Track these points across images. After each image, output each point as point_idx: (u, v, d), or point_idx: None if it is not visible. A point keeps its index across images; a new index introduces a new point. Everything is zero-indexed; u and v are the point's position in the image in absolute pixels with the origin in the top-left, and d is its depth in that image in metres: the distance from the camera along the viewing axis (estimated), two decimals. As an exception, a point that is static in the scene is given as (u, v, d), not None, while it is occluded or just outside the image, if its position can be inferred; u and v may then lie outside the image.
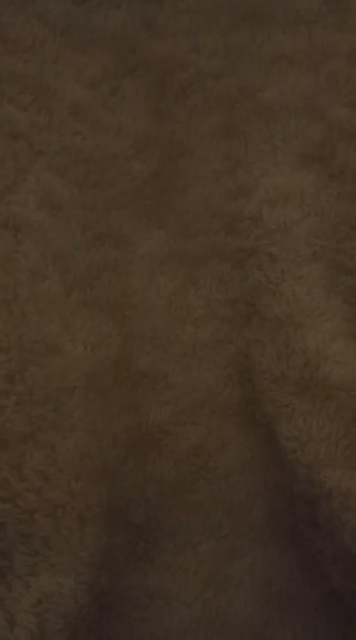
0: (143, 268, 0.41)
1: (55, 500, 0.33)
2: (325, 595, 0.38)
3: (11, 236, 0.38)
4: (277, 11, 0.44)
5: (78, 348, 0.37)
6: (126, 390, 0.39)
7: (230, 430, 0.39)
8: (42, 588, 0.33)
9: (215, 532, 0.38)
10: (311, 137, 0.42)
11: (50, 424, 0.34)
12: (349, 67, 0.43)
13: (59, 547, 0.33)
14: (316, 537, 0.37)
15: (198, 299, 0.41)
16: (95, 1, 0.44)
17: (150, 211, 0.42)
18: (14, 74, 0.41)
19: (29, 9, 0.43)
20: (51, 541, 0.33)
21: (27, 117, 0.41)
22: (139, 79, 0.44)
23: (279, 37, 0.44)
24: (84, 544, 0.34)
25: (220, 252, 0.41)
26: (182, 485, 0.38)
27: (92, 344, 0.38)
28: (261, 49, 0.44)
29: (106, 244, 0.41)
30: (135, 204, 0.42)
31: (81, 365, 0.37)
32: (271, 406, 0.38)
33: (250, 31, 0.44)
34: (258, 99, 0.43)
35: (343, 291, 0.39)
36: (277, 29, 0.44)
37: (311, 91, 0.43)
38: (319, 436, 0.36)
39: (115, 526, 0.36)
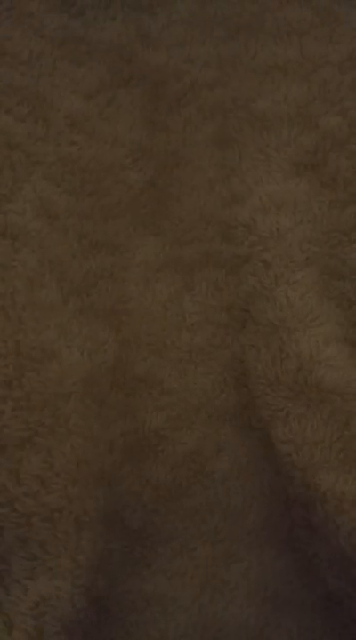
0: (139, 275, 0.42)
1: (52, 505, 0.34)
2: (321, 598, 0.38)
3: (8, 245, 0.38)
4: (269, 22, 0.45)
5: (75, 353, 0.37)
6: (123, 396, 0.39)
7: (226, 435, 0.40)
8: (40, 591, 0.33)
9: (212, 537, 0.39)
10: (303, 145, 0.42)
11: (47, 429, 0.35)
12: (340, 76, 0.43)
13: (56, 550, 0.33)
14: (311, 540, 0.37)
15: (194, 305, 0.41)
16: (91, 14, 0.45)
17: (146, 219, 0.43)
18: (12, 86, 0.42)
19: (26, 22, 0.44)
20: (48, 545, 0.33)
21: (24, 128, 0.41)
22: (134, 90, 0.44)
23: (271, 48, 0.44)
24: (81, 548, 0.34)
25: (215, 258, 0.42)
26: (179, 490, 0.39)
27: (88, 350, 0.38)
28: (254, 59, 0.44)
29: (102, 252, 0.41)
30: (131, 213, 0.43)
31: (78, 371, 0.37)
32: (265, 410, 0.38)
33: (243, 42, 0.45)
34: (251, 108, 0.44)
35: (335, 296, 0.40)
36: (269, 40, 0.45)
37: (303, 100, 0.43)
38: (313, 439, 0.36)
39: (111, 531, 0.37)
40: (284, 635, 0.38)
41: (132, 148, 0.43)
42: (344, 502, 0.34)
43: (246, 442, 0.39)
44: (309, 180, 0.42)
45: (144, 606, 0.37)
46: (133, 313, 0.41)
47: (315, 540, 0.37)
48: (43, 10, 0.44)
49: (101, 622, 0.36)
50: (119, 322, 0.40)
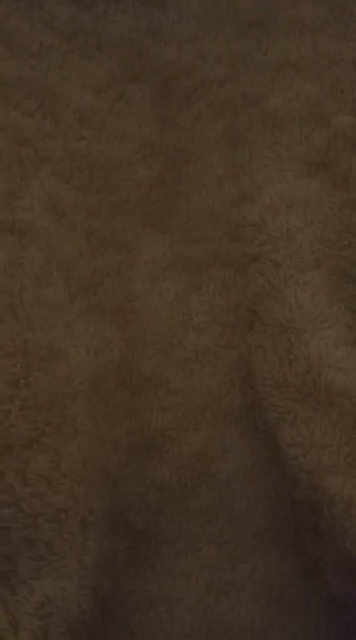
0: (146, 273, 0.41)
1: (58, 505, 0.34)
2: (326, 601, 0.38)
3: (16, 242, 0.38)
4: (282, 18, 0.44)
5: (81, 352, 0.37)
6: (129, 395, 0.39)
7: (232, 436, 0.39)
8: (45, 591, 0.33)
9: (217, 538, 0.39)
10: (315, 144, 0.42)
11: (54, 429, 0.35)
12: (354, 74, 0.43)
13: (62, 551, 0.33)
14: (317, 544, 0.37)
15: (201, 304, 0.41)
16: (101, 7, 0.44)
17: (154, 216, 0.42)
18: (20, 79, 0.42)
19: (36, 15, 0.43)
20: (54, 546, 0.33)
21: (33, 123, 0.41)
22: (144, 85, 0.44)
23: (283, 45, 0.44)
24: (87, 549, 0.34)
25: (223, 257, 0.42)
26: (184, 491, 0.39)
27: (95, 349, 0.38)
28: (266, 56, 0.44)
29: (110, 250, 0.41)
30: (139, 210, 0.42)
31: (84, 370, 0.37)
32: (272, 412, 0.38)
33: (255, 38, 0.44)
34: (262, 106, 0.43)
35: (345, 298, 0.39)
36: (282, 37, 0.44)
37: (315, 98, 0.43)
38: (321, 442, 0.36)
39: (116, 531, 0.37)
40: (288, 637, 0.38)
41: (141, 143, 0.43)
42: (352, 506, 0.34)
43: (251, 443, 0.39)
44: (320, 179, 0.41)
45: (149, 607, 0.37)
46: (140, 312, 0.40)
47: (321, 544, 0.37)
48: (53, 2, 0.44)
49: (106, 623, 0.36)
50: (126, 321, 0.40)
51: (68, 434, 0.35)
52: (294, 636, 0.38)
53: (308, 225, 0.40)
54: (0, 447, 0.33)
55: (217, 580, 0.38)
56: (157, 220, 0.42)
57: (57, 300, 0.38)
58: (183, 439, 0.39)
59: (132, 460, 0.38)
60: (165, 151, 0.43)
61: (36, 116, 0.41)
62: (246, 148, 0.43)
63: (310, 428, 0.36)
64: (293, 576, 0.38)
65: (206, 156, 0.43)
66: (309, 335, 0.38)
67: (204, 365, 0.40)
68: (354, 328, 0.39)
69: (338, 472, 0.35)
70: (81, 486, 0.34)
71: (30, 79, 0.42)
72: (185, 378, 0.40)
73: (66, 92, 0.42)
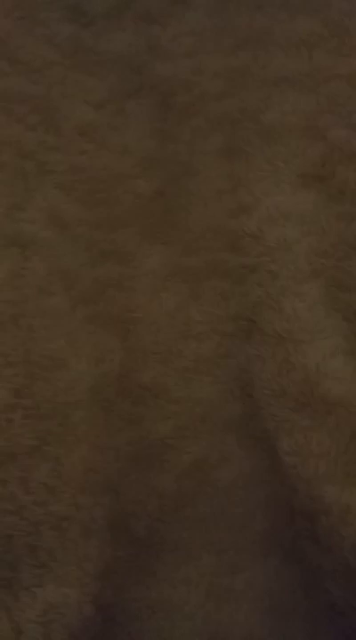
0: (147, 284, 0.42)
1: (60, 513, 0.34)
2: (325, 609, 0.38)
3: (19, 253, 0.39)
4: (278, 34, 0.45)
5: (83, 362, 0.38)
6: (129, 404, 0.39)
7: (232, 445, 0.40)
8: (48, 598, 0.33)
9: (216, 546, 0.39)
10: (311, 157, 0.43)
11: (56, 437, 0.35)
12: (349, 89, 0.44)
13: (64, 558, 0.34)
14: (316, 552, 0.37)
15: (200, 314, 0.42)
16: (101, 24, 0.45)
17: (154, 228, 0.43)
18: (23, 94, 0.42)
19: (38, 32, 0.44)
20: (56, 553, 0.34)
21: (35, 137, 0.42)
22: (143, 100, 0.45)
23: (280, 60, 0.45)
24: (89, 556, 0.34)
25: (222, 268, 0.42)
26: (184, 499, 0.39)
27: (96, 358, 0.38)
28: (263, 71, 0.45)
29: (110, 261, 0.41)
30: (139, 222, 0.43)
31: (85, 379, 0.37)
32: (271, 421, 0.38)
33: (252, 53, 0.45)
34: (260, 119, 0.44)
35: (342, 308, 0.40)
36: (278, 52, 0.45)
37: (311, 112, 0.44)
38: (318, 451, 0.36)
39: (118, 539, 0.37)
40: (288, 645, 0.38)
41: (141, 157, 0.43)
42: (349, 515, 0.35)
43: (250, 452, 0.40)
44: (316, 192, 0.42)
45: (149, 614, 0.37)
46: (140, 322, 0.41)
47: (319, 552, 0.37)
48: (54, 19, 0.45)
49: (107, 630, 0.37)
50: (126, 330, 0.40)
51: (69, 442, 0.35)
52: (293, 644, 0.38)
53: (305, 236, 0.41)
54: (3, 455, 0.34)
55: (217, 587, 0.38)
56: (157, 231, 0.43)
57: (59, 310, 0.38)
58: (183, 448, 0.39)
59: (133, 469, 0.38)
60: (164, 164, 0.44)
61: (39, 130, 0.42)
62: (244, 161, 0.43)
63: (307, 437, 0.37)
64: (292, 583, 0.38)
65: (205, 169, 0.44)
66: (306, 345, 0.38)
67: (203, 375, 0.41)
68: (351, 338, 0.39)
69: (335, 481, 0.36)
70: (83, 494, 0.35)
71: (33, 94, 0.43)
72: (185, 387, 0.40)
73: (67, 106, 0.43)
